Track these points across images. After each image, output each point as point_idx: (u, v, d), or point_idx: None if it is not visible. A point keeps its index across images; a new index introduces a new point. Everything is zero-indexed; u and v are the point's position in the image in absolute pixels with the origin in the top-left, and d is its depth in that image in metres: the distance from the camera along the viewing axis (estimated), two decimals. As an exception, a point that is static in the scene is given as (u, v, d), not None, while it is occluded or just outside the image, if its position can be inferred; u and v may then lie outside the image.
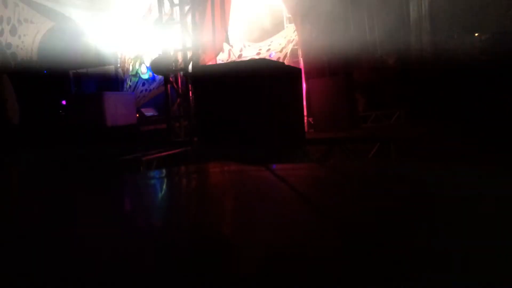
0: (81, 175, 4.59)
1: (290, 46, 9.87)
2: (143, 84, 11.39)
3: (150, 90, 11.23)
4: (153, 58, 6.51)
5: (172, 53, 6.41)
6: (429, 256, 1.24)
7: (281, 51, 10.08)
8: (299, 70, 6.19)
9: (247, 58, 10.06)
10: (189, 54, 6.24)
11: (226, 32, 6.78)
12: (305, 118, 7.81)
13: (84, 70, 11.16)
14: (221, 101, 4.41)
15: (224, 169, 3.65)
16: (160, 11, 6.53)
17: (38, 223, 2.03)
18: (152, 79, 11.18)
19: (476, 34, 8.40)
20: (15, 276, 1.27)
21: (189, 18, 6.32)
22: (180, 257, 1.37)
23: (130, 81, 11.44)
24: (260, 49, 10.56)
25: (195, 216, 2.03)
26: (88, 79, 11.56)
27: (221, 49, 6.81)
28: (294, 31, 9.55)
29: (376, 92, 9.04)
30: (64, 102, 9.54)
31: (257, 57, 10.12)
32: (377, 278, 1.11)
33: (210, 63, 6.31)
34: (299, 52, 9.22)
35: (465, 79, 7.62)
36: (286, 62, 9.30)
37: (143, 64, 10.96)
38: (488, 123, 6.50)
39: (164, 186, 3.09)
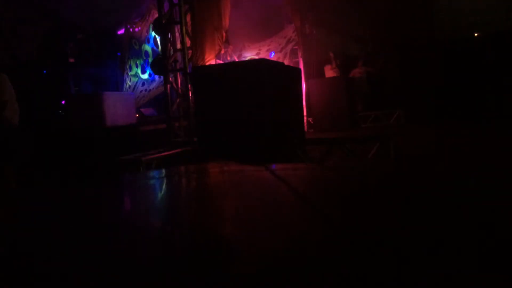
0: (81, 175, 4.59)
1: (290, 46, 9.87)
2: (143, 84, 11.37)
3: (149, 90, 11.22)
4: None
5: (172, 53, 6.41)
6: (428, 256, 1.24)
7: (281, 51, 10.08)
8: (299, 70, 6.18)
9: (247, 58, 10.06)
10: (189, 54, 6.24)
11: (226, 32, 6.77)
12: (305, 118, 7.81)
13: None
14: (220, 101, 4.40)
15: (224, 169, 3.65)
16: (159, 11, 6.52)
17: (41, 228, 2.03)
18: (152, 79, 11.17)
19: (476, 35, 8.40)
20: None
21: (188, 18, 6.32)
22: (179, 257, 1.37)
23: (130, 81, 11.42)
24: (260, 49, 10.56)
25: (195, 216, 2.03)
26: (88, 79, 11.54)
27: (221, 49, 6.81)
28: (294, 31, 9.55)
29: (376, 92, 9.04)
30: (63, 102, 9.53)
31: (257, 57, 10.12)
32: (376, 278, 1.11)
33: (210, 63, 6.30)
34: (299, 52, 9.22)
35: (465, 78, 7.63)
36: (286, 62, 9.30)
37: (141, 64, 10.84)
38: (490, 121, 6.50)
39: (164, 186, 3.09)
